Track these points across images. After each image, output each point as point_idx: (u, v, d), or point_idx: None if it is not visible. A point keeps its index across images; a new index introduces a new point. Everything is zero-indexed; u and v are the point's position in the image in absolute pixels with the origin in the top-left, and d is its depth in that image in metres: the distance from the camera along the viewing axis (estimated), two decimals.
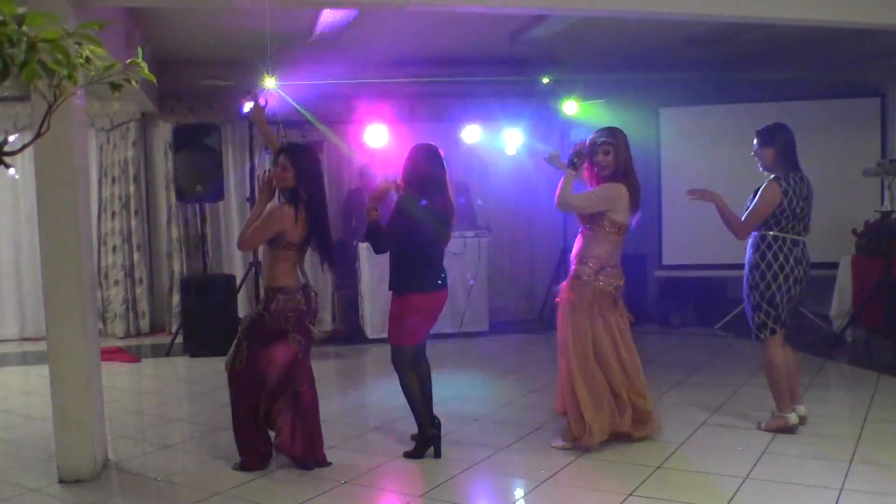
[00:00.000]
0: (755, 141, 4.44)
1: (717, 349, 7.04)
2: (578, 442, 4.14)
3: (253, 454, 3.99)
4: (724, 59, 7.93)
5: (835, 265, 7.08)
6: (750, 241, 4.41)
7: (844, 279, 6.96)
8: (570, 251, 4.33)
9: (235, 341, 4.00)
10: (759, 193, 4.34)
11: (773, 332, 4.34)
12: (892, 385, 5.48)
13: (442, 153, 4.23)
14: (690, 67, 8.13)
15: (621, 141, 4.13)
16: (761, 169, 4.45)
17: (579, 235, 4.25)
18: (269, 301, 3.92)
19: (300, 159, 3.96)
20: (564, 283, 4.23)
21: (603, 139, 4.10)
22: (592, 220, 4.13)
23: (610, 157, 4.09)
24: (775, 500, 3.50)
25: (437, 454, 4.16)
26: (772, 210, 4.28)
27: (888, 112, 7.63)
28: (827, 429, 4.48)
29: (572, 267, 4.21)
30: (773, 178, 4.34)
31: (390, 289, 4.21)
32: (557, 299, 4.28)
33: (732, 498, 3.49)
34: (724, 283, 8.85)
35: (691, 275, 8.26)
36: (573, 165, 4.11)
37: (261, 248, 4.17)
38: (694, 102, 8.24)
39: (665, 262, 8.24)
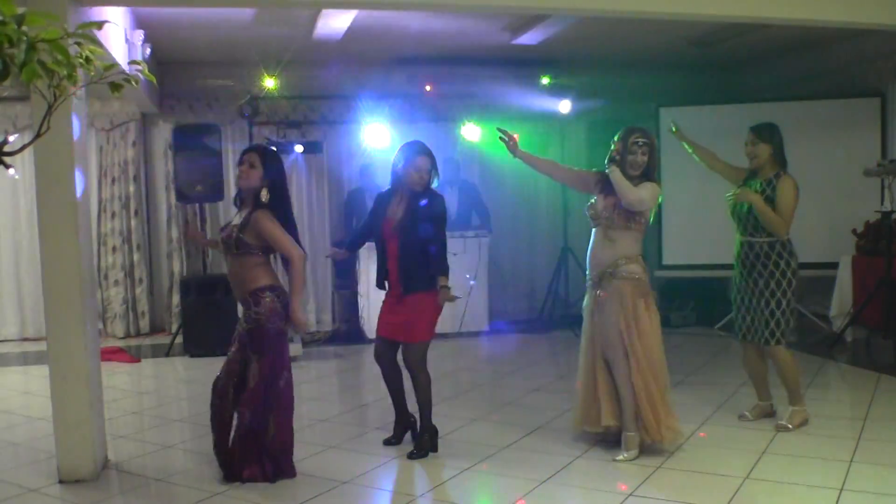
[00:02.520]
0: (750, 136, 4.44)
1: (717, 349, 7.03)
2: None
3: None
4: (724, 59, 7.93)
5: (835, 265, 7.07)
6: (766, 248, 4.37)
7: (844, 279, 6.95)
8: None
9: (254, 359, 3.79)
10: (780, 192, 4.33)
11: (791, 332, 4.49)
12: (892, 385, 5.47)
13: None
14: (690, 67, 8.14)
15: (654, 143, 4.16)
16: (751, 166, 4.45)
17: (606, 236, 4.10)
18: (259, 301, 3.75)
19: (272, 162, 3.84)
20: (627, 284, 4.04)
21: (644, 140, 4.08)
22: (635, 217, 4.08)
23: (646, 158, 4.09)
24: (775, 500, 3.51)
25: (435, 448, 4.24)
26: (796, 205, 4.36)
27: (888, 112, 7.62)
28: (827, 429, 4.48)
29: (618, 267, 4.05)
30: (784, 174, 4.38)
31: (417, 289, 4.12)
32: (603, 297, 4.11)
33: (732, 498, 3.49)
34: (724, 283, 8.84)
35: (691, 275, 8.27)
36: (616, 162, 4.08)
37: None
38: (694, 102, 8.24)
39: (665, 262, 8.23)
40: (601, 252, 4.13)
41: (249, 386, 3.76)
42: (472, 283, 7.66)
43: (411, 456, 4.15)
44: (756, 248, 4.41)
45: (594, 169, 4.35)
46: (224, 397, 3.83)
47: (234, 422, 3.82)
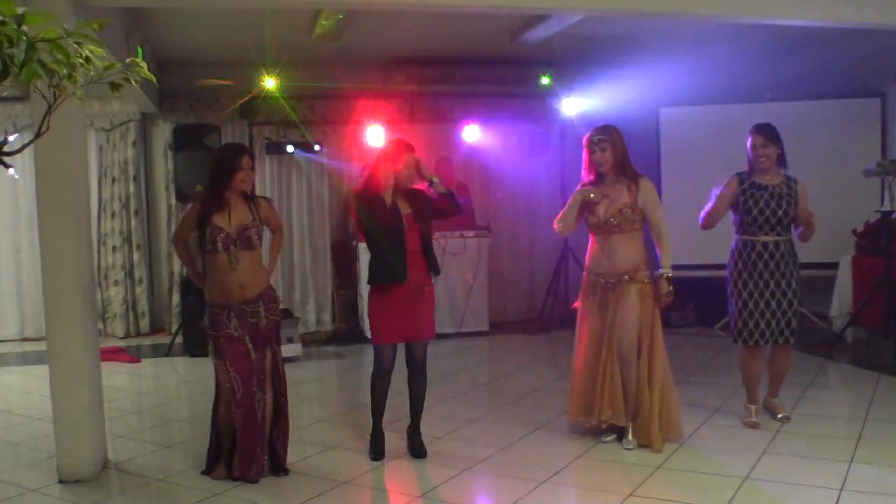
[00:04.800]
0: (761, 139, 4.40)
1: (717, 349, 7.03)
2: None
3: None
4: (725, 59, 7.92)
5: (835, 265, 7.07)
6: (789, 247, 4.44)
7: (844, 279, 6.95)
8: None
9: (273, 351, 3.94)
10: (802, 196, 4.40)
11: None
12: (892, 385, 5.47)
13: None
14: (690, 67, 8.13)
15: (617, 137, 4.20)
16: (762, 168, 4.42)
17: (615, 237, 4.17)
18: (276, 294, 4.02)
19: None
20: (650, 288, 4.17)
21: (599, 136, 4.18)
22: (638, 219, 4.20)
23: (607, 154, 4.16)
24: (775, 500, 3.50)
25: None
26: None
27: (888, 112, 7.62)
28: (827, 429, 4.49)
29: (638, 272, 4.17)
30: (796, 179, 4.44)
31: (430, 280, 4.20)
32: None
33: (732, 498, 3.49)
34: (725, 283, 8.84)
35: (691, 275, 8.26)
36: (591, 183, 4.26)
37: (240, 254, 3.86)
38: (694, 102, 8.24)
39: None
40: (619, 257, 4.17)
41: (280, 373, 3.93)
42: (472, 282, 7.69)
43: (423, 454, 4.16)
44: (782, 247, 4.42)
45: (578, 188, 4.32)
46: (255, 408, 3.82)
47: (267, 413, 3.89)
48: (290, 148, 7.94)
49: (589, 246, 4.34)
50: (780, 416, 4.59)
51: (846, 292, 6.92)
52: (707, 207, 4.54)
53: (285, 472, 3.92)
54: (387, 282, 4.07)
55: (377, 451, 4.20)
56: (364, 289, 7.43)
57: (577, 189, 4.28)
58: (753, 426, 4.52)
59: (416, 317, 4.12)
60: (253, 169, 3.88)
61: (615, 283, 4.16)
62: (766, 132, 4.43)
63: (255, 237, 3.85)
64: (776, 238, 4.40)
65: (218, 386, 3.88)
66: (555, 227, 4.39)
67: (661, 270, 4.17)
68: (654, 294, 4.17)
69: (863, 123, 7.66)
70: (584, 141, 4.24)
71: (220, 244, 3.79)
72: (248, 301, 3.83)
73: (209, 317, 3.89)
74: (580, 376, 4.32)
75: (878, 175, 6.41)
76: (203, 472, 3.93)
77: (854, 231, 7.07)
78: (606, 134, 4.19)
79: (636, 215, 4.16)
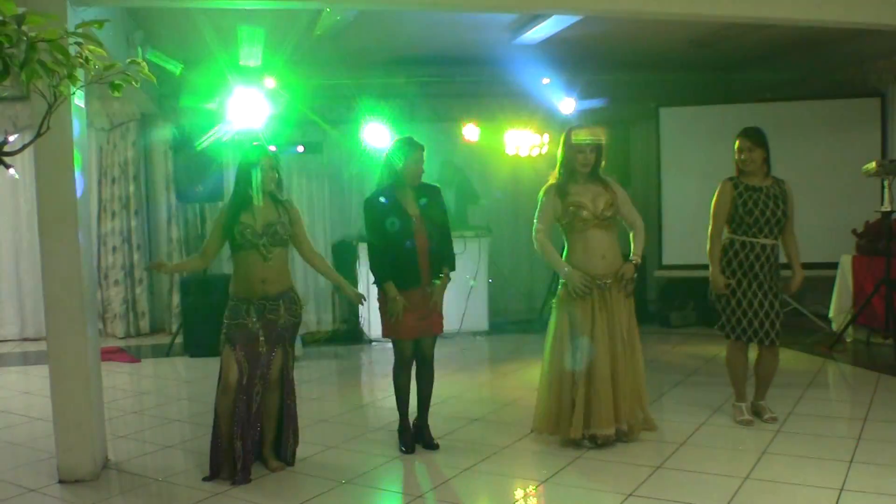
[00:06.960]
0: (747, 143, 4.43)
1: (716, 349, 7.03)
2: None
3: None
4: (724, 59, 7.93)
5: (835, 265, 7.07)
6: (777, 251, 4.46)
7: (844, 279, 6.95)
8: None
9: (284, 351, 4.00)
10: (791, 198, 4.45)
11: None
12: (892, 385, 5.47)
13: None
14: (690, 67, 8.14)
15: (606, 141, 4.29)
16: (747, 170, 4.44)
17: (604, 234, 4.19)
18: (297, 295, 4.07)
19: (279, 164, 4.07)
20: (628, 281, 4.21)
21: (593, 138, 4.20)
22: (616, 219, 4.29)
23: (594, 155, 4.20)
24: (775, 500, 3.50)
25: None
26: None
27: (888, 112, 7.62)
28: (827, 429, 4.49)
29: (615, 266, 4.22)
30: (783, 180, 4.47)
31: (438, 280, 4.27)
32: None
33: (732, 498, 3.49)
34: None
35: (691, 275, 8.26)
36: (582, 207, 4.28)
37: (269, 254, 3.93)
38: (694, 102, 8.24)
39: (665, 262, 8.22)
40: (612, 255, 4.21)
41: (288, 377, 3.99)
42: (472, 282, 7.68)
43: (435, 446, 4.24)
44: (777, 250, 4.47)
45: (543, 189, 4.30)
46: (253, 399, 3.86)
47: (270, 413, 3.97)
48: (290, 148, 7.92)
49: (571, 248, 4.29)
50: (766, 417, 4.59)
51: (846, 292, 6.92)
52: (711, 230, 4.54)
53: (291, 463, 4.03)
54: (401, 289, 4.12)
55: (408, 444, 4.25)
56: (364, 289, 7.46)
57: (543, 189, 4.27)
58: (748, 423, 4.54)
59: (427, 314, 4.19)
60: (274, 169, 3.98)
61: (611, 282, 4.16)
62: (752, 136, 4.45)
63: (282, 235, 3.92)
64: (773, 241, 4.43)
65: (221, 379, 3.87)
66: (537, 244, 4.41)
67: (632, 257, 4.25)
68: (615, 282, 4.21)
69: (863, 123, 7.66)
70: (571, 139, 4.20)
71: (247, 240, 3.86)
72: (269, 297, 3.88)
73: (228, 308, 3.91)
74: (596, 388, 4.11)
75: (878, 175, 6.41)
76: (205, 479, 3.86)
77: (854, 231, 7.07)
78: (598, 137, 4.23)
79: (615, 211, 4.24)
